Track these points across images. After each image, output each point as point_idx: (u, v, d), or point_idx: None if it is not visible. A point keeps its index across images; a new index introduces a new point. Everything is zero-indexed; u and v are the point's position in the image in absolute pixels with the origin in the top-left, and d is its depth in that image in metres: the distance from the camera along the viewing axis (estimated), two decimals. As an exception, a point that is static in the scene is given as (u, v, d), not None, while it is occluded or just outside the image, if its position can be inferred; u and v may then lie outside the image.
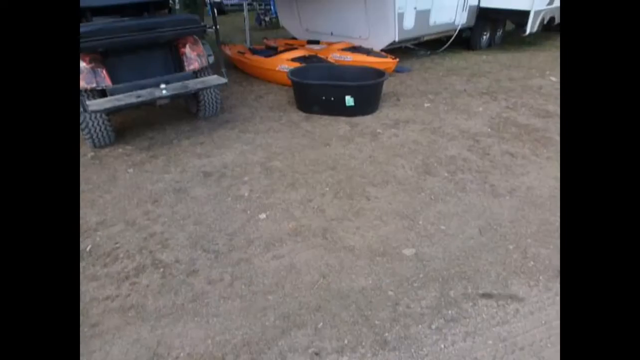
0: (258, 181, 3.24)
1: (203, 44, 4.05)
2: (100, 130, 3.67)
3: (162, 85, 3.52)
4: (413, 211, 2.83)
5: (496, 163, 3.50)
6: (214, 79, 3.82)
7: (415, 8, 6.17)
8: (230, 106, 4.88)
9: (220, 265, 2.36)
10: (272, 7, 14.53)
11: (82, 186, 3.24)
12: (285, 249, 2.48)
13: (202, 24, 3.73)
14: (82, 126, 3.63)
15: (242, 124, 4.38)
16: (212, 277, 2.27)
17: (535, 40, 8.85)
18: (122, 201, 3.03)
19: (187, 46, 3.88)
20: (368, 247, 2.49)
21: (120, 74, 3.63)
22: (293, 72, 4.62)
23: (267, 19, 13.58)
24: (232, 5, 17.78)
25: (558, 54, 7.94)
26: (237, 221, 2.75)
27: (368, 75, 4.70)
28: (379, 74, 4.64)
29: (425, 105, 4.83)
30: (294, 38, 7.84)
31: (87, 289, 2.21)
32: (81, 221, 2.79)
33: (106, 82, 3.48)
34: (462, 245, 2.50)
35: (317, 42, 6.86)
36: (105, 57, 3.51)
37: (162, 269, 2.34)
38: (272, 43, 7.04)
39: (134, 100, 3.35)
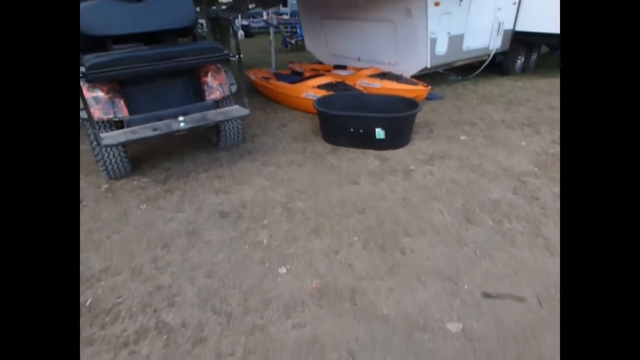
0: (278, 225, 2.93)
1: (226, 71, 3.85)
2: (115, 161, 3.48)
3: (181, 118, 3.31)
4: (456, 271, 2.44)
5: (548, 210, 3.07)
6: (235, 110, 3.59)
7: (448, 33, 5.88)
8: (253, 135, 4.65)
9: (232, 333, 2.03)
10: (298, 30, 14.61)
11: (91, 224, 3.01)
12: (308, 315, 2.13)
13: (226, 51, 3.53)
14: (97, 157, 3.45)
15: (264, 155, 4.12)
16: (222, 349, 1.95)
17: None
18: (131, 243, 2.78)
19: (209, 74, 3.69)
20: (405, 317, 2.11)
21: (139, 104, 3.45)
22: (319, 102, 4.36)
23: (293, 41, 13.60)
24: (258, 27, 18.08)
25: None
26: (253, 275, 2.44)
27: (399, 105, 4.39)
28: (411, 104, 4.32)
29: (461, 137, 4.46)
30: (320, 62, 7.66)
31: (81, 356, 1.92)
32: (84, 267, 2.54)
33: (123, 112, 3.29)
34: (518, 319, 2.08)
35: (344, 67, 6.64)
36: (123, 86, 3.34)
37: (166, 335, 2.03)
38: (297, 68, 6.86)
39: (149, 133, 3.14)
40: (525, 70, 8.33)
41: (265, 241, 2.75)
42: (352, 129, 4.03)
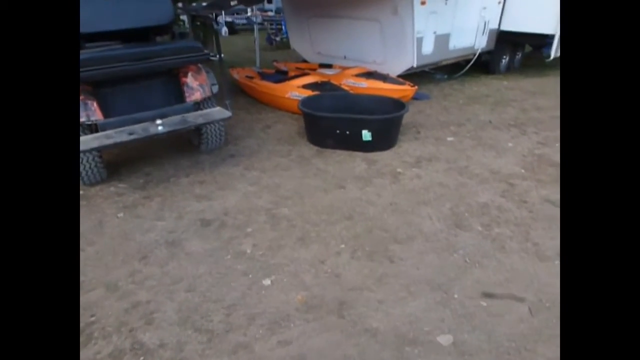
0: (263, 233, 2.81)
1: (207, 71, 3.70)
2: (90, 167, 3.30)
3: (158, 121, 3.15)
4: (446, 279, 2.38)
5: (536, 213, 3.04)
6: (216, 112, 3.45)
7: (434, 32, 5.83)
8: (236, 137, 4.51)
9: (214, 353, 1.92)
10: (283, 27, 14.42)
11: (64, 235, 2.84)
12: (294, 331, 2.03)
13: (206, 51, 3.38)
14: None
15: (248, 159, 3.99)
16: (203, 372, 1.84)
17: (555, 64, 8.43)
18: (107, 256, 2.62)
19: (189, 75, 3.53)
20: (394, 330, 2.03)
21: (114, 106, 3.28)
22: (304, 102, 4.25)
23: (277, 39, 13.41)
24: (242, 24, 17.79)
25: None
26: (237, 288, 2.32)
27: (386, 105, 4.31)
28: (398, 105, 4.25)
29: (449, 139, 4.41)
30: (305, 61, 7.54)
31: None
32: (55, 283, 2.38)
33: (97, 115, 3.12)
34: (510, 330, 2.03)
35: (329, 66, 6.53)
36: (97, 87, 3.16)
37: (142, 357, 1.91)
38: (282, 66, 6.72)
39: (125, 138, 2.98)
40: (510, 70, 8.36)
41: (248, 251, 2.64)
42: (338, 131, 3.93)
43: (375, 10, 5.63)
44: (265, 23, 14.76)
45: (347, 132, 3.90)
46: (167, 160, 3.98)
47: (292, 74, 6.00)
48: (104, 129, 3.16)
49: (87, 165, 3.30)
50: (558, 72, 8.16)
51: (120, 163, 3.89)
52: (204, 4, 5.66)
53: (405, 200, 3.20)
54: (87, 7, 3.20)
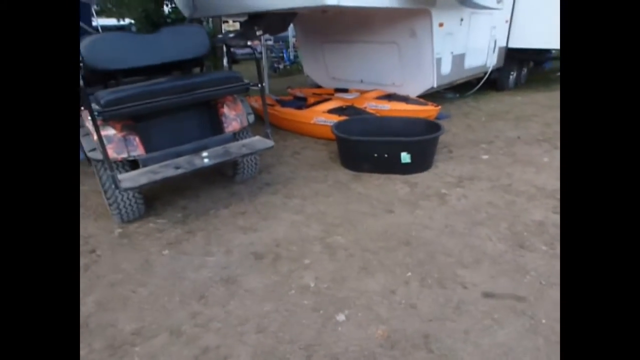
0: (322, 265, 2.69)
1: (241, 101, 3.66)
2: (130, 204, 3.20)
3: (204, 153, 3.07)
4: (527, 304, 2.25)
5: (597, 229, 2.95)
6: (258, 142, 3.39)
7: (451, 52, 5.90)
8: (267, 165, 4.44)
9: (303, 400, 1.77)
10: (284, 55, 14.68)
11: (112, 276, 2.71)
12: (384, 371, 1.89)
13: (246, 81, 3.35)
14: (109, 200, 3.16)
15: (285, 187, 3.90)
16: (297, 423, 1.68)
17: (559, 78, 8.56)
18: (162, 297, 2.48)
19: (226, 105, 3.49)
20: (491, 363, 1.90)
21: (154, 140, 3.21)
22: (338, 127, 4.21)
23: (280, 66, 13.62)
24: (242, 54, 18.14)
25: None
26: (310, 326, 2.18)
27: (416, 126, 4.28)
28: (430, 125, 4.22)
29: (483, 157, 4.37)
30: (318, 86, 7.59)
31: None
32: (114, 329, 2.24)
33: (139, 151, 3.04)
34: (614, 357, 1.90)
35: (345, 90, 6.56)
36: (136, 121, 3.10)
37: (227, 410, 1.75)
38: (298, 93, 6.74)
39: (172, 172, 2.89)
40: (517, 85, 8.48)
41: (312, 284, 2.51)
42: (375, 154, 3.87)
43: (392, 33, 5.70)
44: (267, 52, 15.01)
45: (386, 155, 3.84)
46: (202, 193, 3.88)
47: (311, 100, 6.00)
48: (145, 165, 3.08)
49: (126, 202, 3.20)
50: (566, 86, 8.28)
51: (154, 197, 3.79)
52: (231, 35, 5.71)
53: (459, 222, 3.10)
54: (125, 43, 3.19)
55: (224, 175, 4.14)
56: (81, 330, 2.27)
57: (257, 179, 4.10)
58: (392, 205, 3.39)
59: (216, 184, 4.04)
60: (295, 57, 14.60)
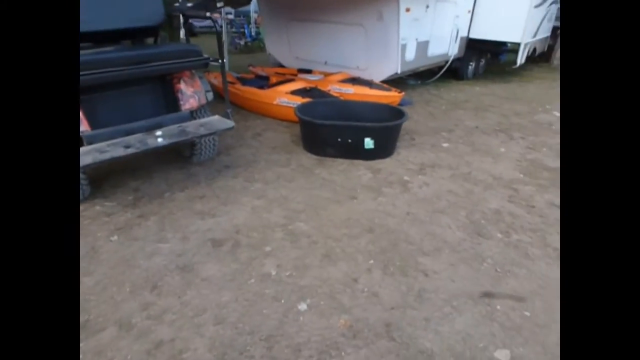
0: (284, 252, 2.61)
1: (200, 77, 3.42)
2: (73, 185, 2.91)
3: (158, 132, 2.84)
4: (484, 291, 2.32)
5: (547, 218, 3.10)
6: (218, 122, 3.19)
7: (416, 39, 5.90)
8: (227, 147, 4.24)
9: (264, 394, 1.71)
10: (246, 31, 14.09)
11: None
12: (347, 360, 1.87)
13: (206, 55, 3.12)
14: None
15: (246, 170, 3.75)
16: (258, 418, 1.62)
17: (514, 71, 8.89)
18: (110, 287, 2.30)
19: (183, 81, 3.24)
20: (450, 349, 1.94)
21: (100, 116, 2.92)
22: (301, 110, 4.08)
23: (242, 42, 13.06)
24: (201, 27, 17.24)
25: (546, 86, 8.00)
26: (271, 316, 2.11)
27: (380, 112, 4.26)
28: (394, 111, 4.21)
29: (444, 145, 4.44)
30: (281, 65, 7.35)
31: None
32: (54, 324, 2.03)
33: (83, 126, 2.75)
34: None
35: (308, 72, 6.40)
36: (82, 94, 2.79)
37: (182, 408, 1.66)
38: (260, 71, 6.49)
39: (121, 152, 2.65)
40: (475, 75, 8.72)
41: (273, 272, 2.43)
42: (339, 139, 3.81)
43: (359, 15, 5.59)
44: (228, 26, 14.33)
45: (349, 140, 3.79)
46: (156, 174, 3.63)
47: (273, 79, 5.79)
48: (91, 142, 2.80)
49: (69, 183, 2.91)
50: (520, 78, 8.63)
51: (101, 177, 3.50)
52: (189, 4, 5.30)
53: (421, 210, 3.14)
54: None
55: (180, 155, 3.90)
56: (15, 325, 2.04)
57: (215, 161, 3.91)
58: (355, 192, 3.36)
59: (172, 164, 3.80)
60: (257, 33, 14.06)
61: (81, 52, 2.79)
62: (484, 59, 9.08)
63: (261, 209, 3.11)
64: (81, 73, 2.53)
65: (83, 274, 2.40)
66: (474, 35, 7.62)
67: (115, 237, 2.76)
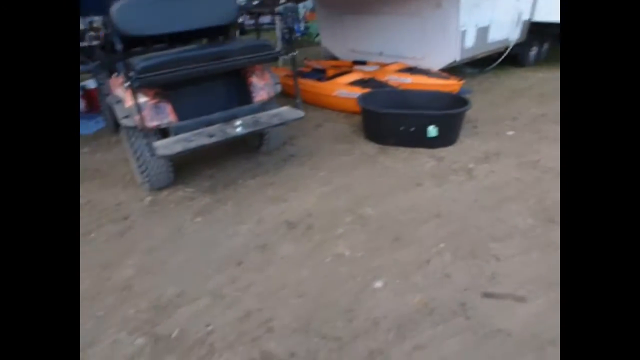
0: (355, 235, 2.74)
1: (268, 71, 3.61)
2: (161, 172, 3.23)
3: (237, 122, 3.07)
4: (558, 278, 2.30)
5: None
6: (289, 113, 3.37)
7: (476, 25, 5.73)
8: (290, 137, 4.43)
9: (349, 360, 1.85)
10: (295, 27, 14.34)
11: (148, 242, 2.78)
12: (424, 335, 1.95)
13: (277, 49, 3.30)
14: (141, 168, 3.19)
15: (310, 159, 3.91)
16: (345, 381, 1.76)
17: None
18: (199, 263, 2.55)
19: (255, 74, 3.45)
20: (527, 330, 1.96)
21: (184, 108, 3.20)
22: (363, 99, 4.16)
23: (293, 38, 13.32)
24: (249, 25, 17.75)
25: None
26: (348, 292, 2.25)
27: (442, 100, 4.23)
28: (456, 99, 4.17)
29: (508, 133, 4.33)
30: (334, 58, 7.45)
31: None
32: (158, 292, 2.32)
33: (171, 118, 3.04)
34: None
35: (363, 63, 6.44)
36: (168, 90, 3.08)
37: (277, 368, 1.84)
38: (315, 64, 6.63)
39: (206, 141, 2.90)
40: (538, 61, 8.26)
41: (347, 253, 2.56)
42: (402, 128, 3.85)
43: (416, 4, 5.53)
44: (279, 23, 14.67)
45: (412, 129, 3.82)
46: (227, 162, 3.90)
47: (330, 72, 5.91)
48: (176, 133, 3.09)
49: (157, 170, 3.23)
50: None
51: (181, 165, 3.81)
52: (255, 2, 5.57)
53: (488, 197, 3.12)
54: (153, 8, 3.12)
55: (248, 146, 4.15)
56: (125, 292, 2.35)
57: (281, 151, 4.11)
58: (420, 179, 3.40)
59: (240, 155, 4.05)
60: (306, 28, 14.25)
61: (165, 51, 3.08)
62: (548, 43, 8.57)
63: (329, 195, 3.25)
64: (169, 70, 2.81)
65: (174, 251, 2.68)
66: (538, 18, 7.22)
67: (199, 219, 3.03)
